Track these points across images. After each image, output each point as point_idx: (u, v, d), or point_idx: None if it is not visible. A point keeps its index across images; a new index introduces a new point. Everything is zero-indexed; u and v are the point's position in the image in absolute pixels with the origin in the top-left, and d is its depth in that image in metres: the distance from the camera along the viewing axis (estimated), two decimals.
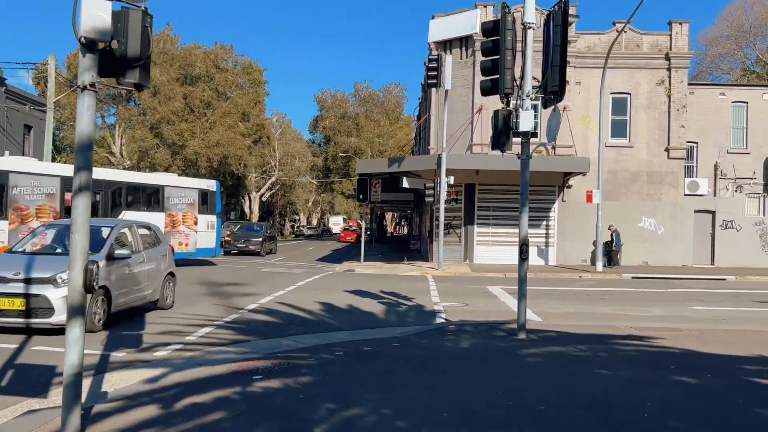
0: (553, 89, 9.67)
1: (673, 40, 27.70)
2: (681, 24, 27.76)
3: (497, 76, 10.01)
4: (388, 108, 69.29)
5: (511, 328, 10.22)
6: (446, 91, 24.92)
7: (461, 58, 28.74)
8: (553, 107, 9.96)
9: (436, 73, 24.15)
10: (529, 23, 9.93)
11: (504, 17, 9.91)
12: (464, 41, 28.72)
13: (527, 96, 9.91)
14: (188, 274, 20.38)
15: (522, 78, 10.05)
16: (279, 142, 70.97)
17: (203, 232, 26.14)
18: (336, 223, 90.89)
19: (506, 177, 25.80)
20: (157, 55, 46.30)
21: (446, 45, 28.91)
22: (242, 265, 26.03)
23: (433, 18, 29.25)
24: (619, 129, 28.04)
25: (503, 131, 9.84)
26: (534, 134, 16.02)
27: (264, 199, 74.92)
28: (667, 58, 27.66)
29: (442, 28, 28.95)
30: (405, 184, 28.10)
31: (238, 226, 36.34)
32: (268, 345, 8.88)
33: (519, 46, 10.24)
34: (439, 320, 11.83)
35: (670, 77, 27.73)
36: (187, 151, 46.02)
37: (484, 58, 10.34)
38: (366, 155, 61.78)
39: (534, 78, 11.84)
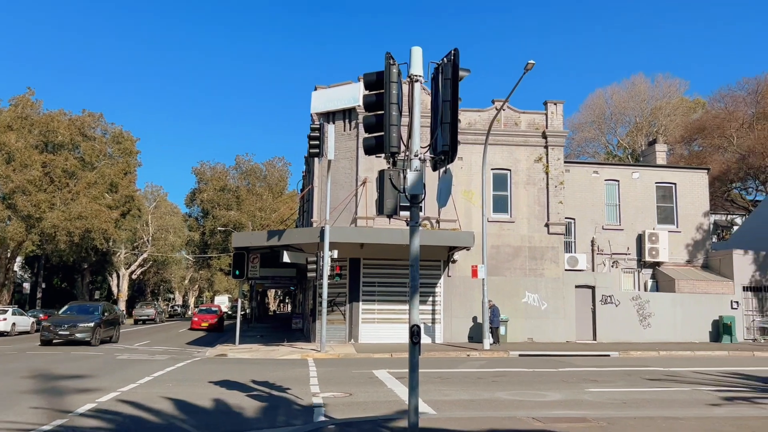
0: (443, 149, 8.58)
1: (549, 119, 28.45)
2: (556, 104, 28.65)
3: (382, 133, 8.83)
4: (271, 182, 67.64)
5: (401, 428, 8.63)
6: (329, 161, 23.84)
7: (345, 131, 27.98)
8: (443, 169, 8.85)
9: (318, 142, 23.02)
10: (415, 76, 8.90)
11: (388, 69, 8.83)
12: (347, 113, 28.08)
13: (416, 156, 8.75)
14: (23, 365, 17.26)
15: (409, 136, 8.92)
16: (153, 216, 67.04)
17: None
18: (222, 302, 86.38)
19: (393, 251, 24.77)
20: (14, 119, 42.47)
21: (329, 117, 28.09)
22: (97, 352, 22.84)
23: (315, 90, 28.51)
24: (501, 204, 28.04)
25: (390, 194, 8.57)
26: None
27: (134, 276, 69.82)
28: (544, 136, 28.29)
29: (324, 99, 28.22)
30: (286, 258, 26.30)
31: (66, 307, 29.00)
32: None
33: (406, 101, 9.19)
34: (317, 418, 10.03)
35: (547, 154, 28.28)
36: (44, 224, 41.75)
37: (367, 113, 9.15)
38: (247, 229, 59.31)
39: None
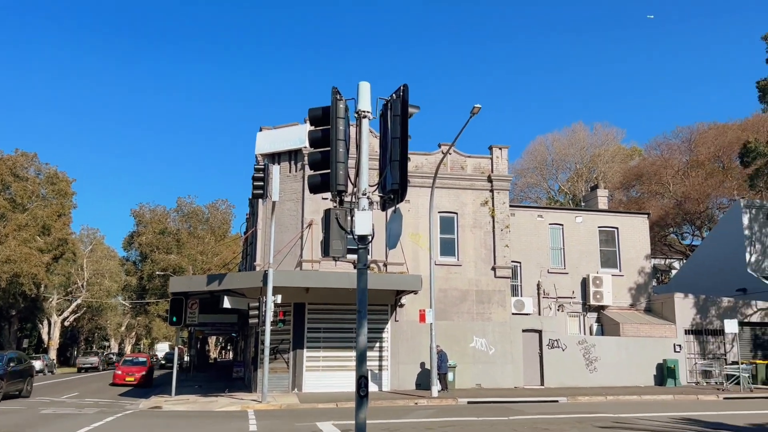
0: (393, 187, 8.21)
1: (494, 164, 28.65)
2: (500, 149, 28.92)
3: (328, 170, 8.40)
4: (214, 225, 66.11)
5: None
6: (273, 203, 23.27)
7: (290, 172, 27.47)
8: (393, 209, 8.45)
9: (262, 183, 22.45)
10: (363, 112, 8.56)
11: (335, 104, 8.47)
12: (293, 155, 27.62)
13: (363, 194, 8.34)
14: None
15: (357, 174, 8.52)
16: (88, 260, 64.39)
17: None
18: (162, 350, 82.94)
19: (339, 295, 24.11)
20: None
21: (275, 158, 27.54)
22: (20, 406, 21.15)
23: (261, 130, 28.05)
24: (448, 247, 27.84)
25: (336, 235, 8.09)
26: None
27: (67, 323, 66.51)
28: (490, 180, 28.42)
29: (270, 140, 27.79)
30: (226, 303, 25.26)
31: None
32: None
33: (354, 137, 8.80)
34: None
35: (493, 198, 28.37)
36: None
37: (313, 150, 8.72)
38: (187, 274, 57.45)
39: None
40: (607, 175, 60.99)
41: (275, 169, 23.46)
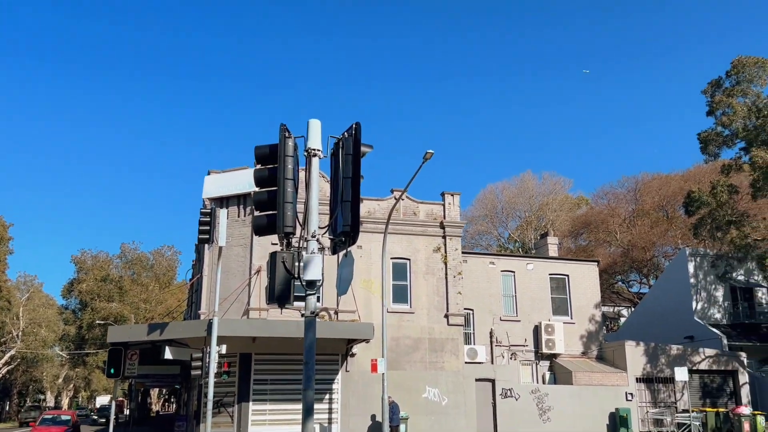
0: (344, 229, 7.73)
1: (446, 210, 28.52)
2: (453, 195, 28.87)
3: (275, 211, 7.87)
4: (158, 272, 64.03)
5: None
6: (220, 248, 22.39)
7: (239, 216, 26.73)
8: (344, 252, 7.95)
9: (208, 227, 21.56)
10: (314, 150, 8.11)
11: (283, 141, 8.01)
12: (242, 199, 26.93)
13: (313, 237, 7.82)
14: None
15: (306, 216, 8.01)
16: (25, 309, 61.32)
17: None
18: (102, 403, 78.92)
19: (287, 345, 23.20)
20: None
21: (223, 202, 26.79)
22: None
23: (209, 174, 27.34)
24: (401, 294, 27.33)
25: (283, 280, 7.51)
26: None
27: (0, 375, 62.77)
28: (442, 226, 28.24)
29: (218, 184, 27.05)
30: (168, 354, 23.96)
31: None
32: None
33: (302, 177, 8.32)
34: None
35: (445, 244, 28.15)
36: None
37: (259, 190, 8.19)
38: (129, 322, 55.15)
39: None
40: (555, 224, 61.94)
41: (222, 213, 22.69)
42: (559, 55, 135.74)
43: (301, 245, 7.82)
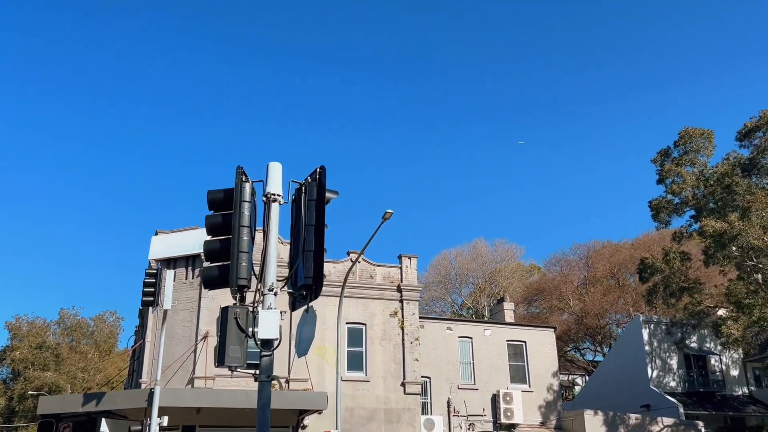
0: (306, 282, 6.92)
1: (403, 273, 27.84)
2: (410, 258, 28.26)
3: (228, 262, 7.01)
4: (99, 338, 60.79)
5: None
6: (165, 311, 21.02)
7: (186, 279, 25.47)
8: (305, 308, 7.11)
9: (153, 289, 20.24)
10: (273, 195, 7.36)
11: (240, 185, 7.25)
12: (191, 260, 25.74)
13: (270, 290, 6.96)
14: None
15: (263, 267, 7.17)
16: None
17: None
18: None
19: (235, 416, 21.60)
20: None
21: (170, 263, 25.43)
22: None
23: (156, 234, 26.17)
24: (356, 361, 26.15)
25: (235, 338, 6.59)
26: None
27: None
28: (399, 290, 27.47)
29: (166, 245, 25.82)
30: (104, 427, 21.96)
31: None
32: None
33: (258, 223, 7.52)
34: None
35: (402, 309, 27.32)
36: None
37: (211, 238, 7.35)
38: (65, 393, 51.68)
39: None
40: (507, 291, 61.85)
41: (169, 274, 21.45)
42: (511, 122, 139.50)
43: (256, 300, 6.94)
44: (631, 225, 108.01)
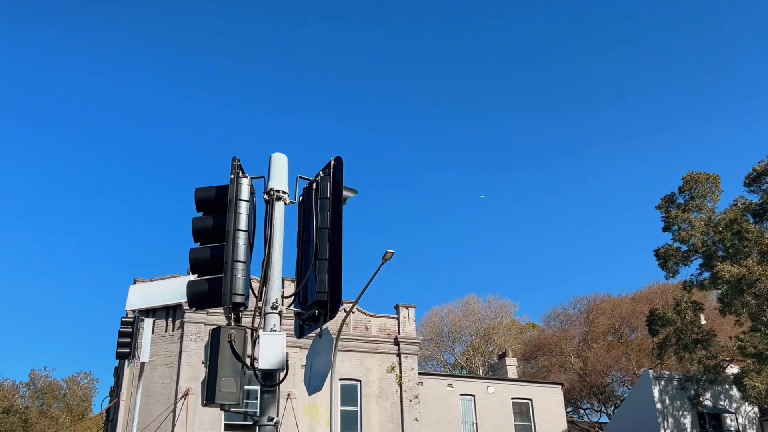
0: (319, 298, 5.51)
1: (401, 324, 26.32)
2: (408, 308, 26.80)
3: (220, 275, 5.60)
4: (71, 402, 57.68)
5: None
6: (142, 365, 19.34)
7: (166, 331, 23.89)
8: (317, 332, 5.67)
9: (129, 340, 18.65)
10: (277, 192, 6.01)
11: (237, 180, 5.91)
12: (171, 311, 24.27)
13: (274, 309, 5.53)
14: None
15: (264, 281, 5.75)
16: None
17: None
18: None
19: None
20: None
21: (149, 314, 23.82)
22: None
23: (134, 283, 24.70)
24: (351, 422, 24.24)
25: (229, 369, 5.11)
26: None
27: None
28: (397, 342, 25.88)
29: (145, 294, 24.48)
30: None
31: None
32: None
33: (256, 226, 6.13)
34: None
35: (400, 363, 25.68)
36: None
37: (200, 246, 5.94)
38: None
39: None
40: (503, 348, 59.97)
41: (147, 324, 19.84)
42: (508, 173, 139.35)
43: (257, 321, 5.50)
44: (632, 277, 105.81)
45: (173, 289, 24.01)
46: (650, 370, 36.21)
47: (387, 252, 18.15)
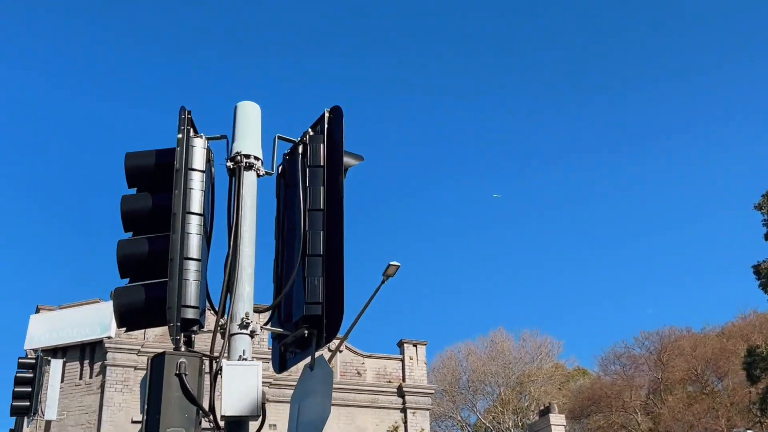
0: (311, 312, 5.12)
1: (406, 367, 27.41)
2: (416, 345, 27.73)
3: (164, 279, 5.20)
4: None
5: None
6: (48, 424, 19.61)
7: (81, 378, 24.71)
8: (307, 362, 5.28)
9: (30, 389, 19.12)
10: (247, 158, 5.60)
11: (188, 144, 5.50)
12: (89, 351, 24.86)
13: (243, 327, 5.13)
14: None
15: (228, 287, 5.35)
16: None
17: None
18: None
19: None
20: None
21: (57, 355, 24.41)
22: None
23: (37, 312, 25.49)
24: None
25: (176, 411, 4.68)
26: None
27: None
28: (401, 393, 26.75)
29: (52, 327, 25.65)
30: None
31: None
32: None
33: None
34: None
35: (406, 422, 26.12)
36: None
37: (132, 237, 5.55)
38: None
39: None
40: (544, 402, 59.94)
41: (54, 368, 20.08)
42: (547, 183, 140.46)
43: (220, 346, 5.11)
44: (719, 305, 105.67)
45: (91, 320, 24.81)
46: (748, 431, 36.17)
47: (390, 265, 17.88)
